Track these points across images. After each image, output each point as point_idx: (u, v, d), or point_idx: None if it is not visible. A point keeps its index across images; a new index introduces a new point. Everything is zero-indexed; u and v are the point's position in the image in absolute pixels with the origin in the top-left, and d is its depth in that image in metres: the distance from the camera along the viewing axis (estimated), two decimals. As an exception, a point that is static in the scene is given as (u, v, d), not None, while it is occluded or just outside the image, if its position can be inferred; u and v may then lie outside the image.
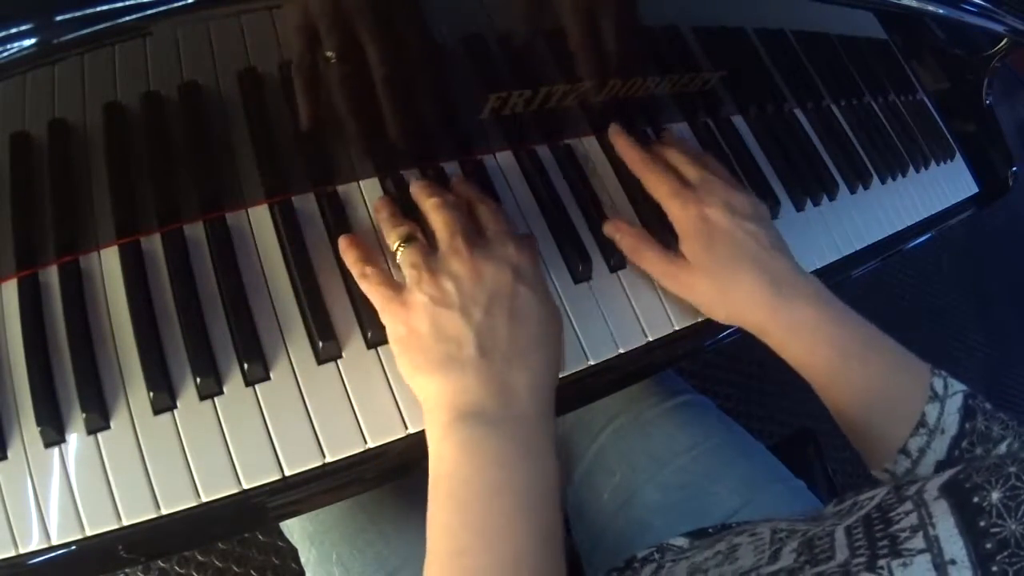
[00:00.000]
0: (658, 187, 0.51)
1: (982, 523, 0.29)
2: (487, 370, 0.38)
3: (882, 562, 0.30)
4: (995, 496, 0.30)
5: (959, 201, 0.78)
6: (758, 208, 0.50)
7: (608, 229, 0.51)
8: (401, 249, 0.42)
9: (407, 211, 0.45)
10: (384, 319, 0.41)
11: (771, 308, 0.46)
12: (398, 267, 0.42)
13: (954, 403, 0.43)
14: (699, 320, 0.51)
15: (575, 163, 0.54)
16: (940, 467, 0.43)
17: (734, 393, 1.38)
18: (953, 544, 0.29)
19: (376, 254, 0.44)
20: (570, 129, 0.55)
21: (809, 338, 0.46)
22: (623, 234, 0.50)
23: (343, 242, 0.43)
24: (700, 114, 0.62)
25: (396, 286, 0.41)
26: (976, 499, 0.30)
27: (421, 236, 0.42)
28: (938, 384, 0.44)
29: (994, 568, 0.27)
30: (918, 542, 0.30)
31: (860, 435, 0.46)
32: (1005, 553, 0.28)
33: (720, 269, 0.47)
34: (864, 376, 0.45)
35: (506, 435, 0.37)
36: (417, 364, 0.39)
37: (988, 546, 0.28)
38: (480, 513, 0.35)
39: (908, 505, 0.33)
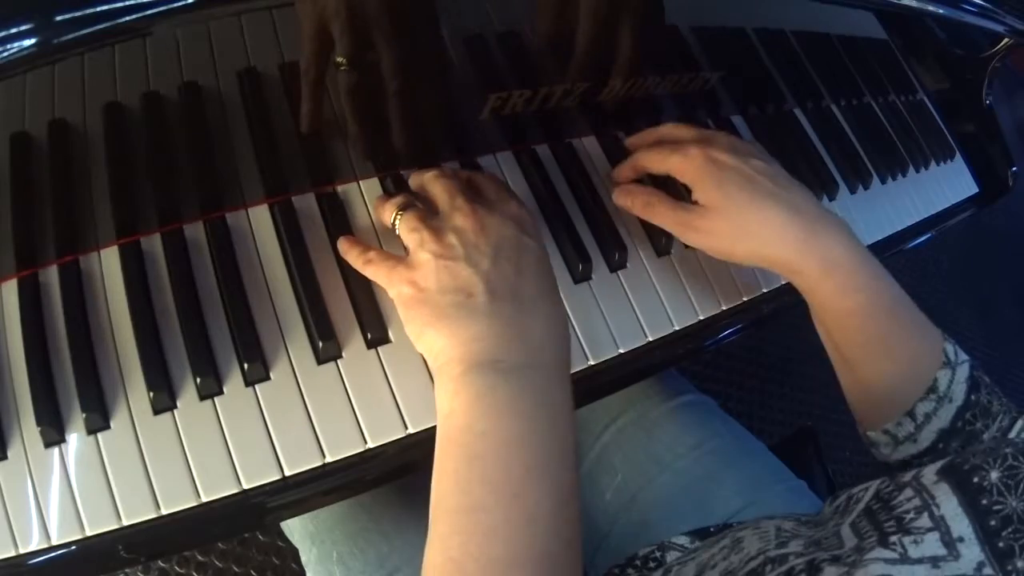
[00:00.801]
0: (656, 158, 0.49)
1: (984, 501, 0.30)
2: (499, 314, 0.37)
3: (893, 538, 0.30)
4: (994, 475, 0.30)
5: (959, 201, 0.78)
6: (765, 155, 0.49)
7: (618, 196, 0.50)
8: (399, 216, 0.41)
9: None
10: (390, 288, 0.40)
11: (802, 242, 0.44)
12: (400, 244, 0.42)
13: (963, 372, 0.43)
14: (699, 320, 0.51)
15: (575, 163, 0.54)
16: (942, 435, 0.42)
17: (735, 393, 1.38)
18: (959, 522, 0.29)
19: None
20: (570, 129, 0.55)
21: (844, 280, 0.44)
22: (633, 195, 0.49)
23: (343, 244, 0.43)
24: (700, 114, 0.62)
25: (398, 259, 0.40)
26: (976, 479, 0.31)
27: (418, 203, 0.42)
28: (950, 350, 0.43)
29: (1000, 544, 0.28)
30: (925, 521, 0.30)
31: (868, 391, 0.45)
32: (1010, 529, 0.28)
33: (738, 206, 0.45)
34: (889, 329, 0.44)
35: (524, 383, 0.35)
36: (425, 320, 0.37)
37: (992, 523, 0.29)
38: (496, 466, 0.33)
39: (908, 491, 0.33)
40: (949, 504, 0.30)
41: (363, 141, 0.45)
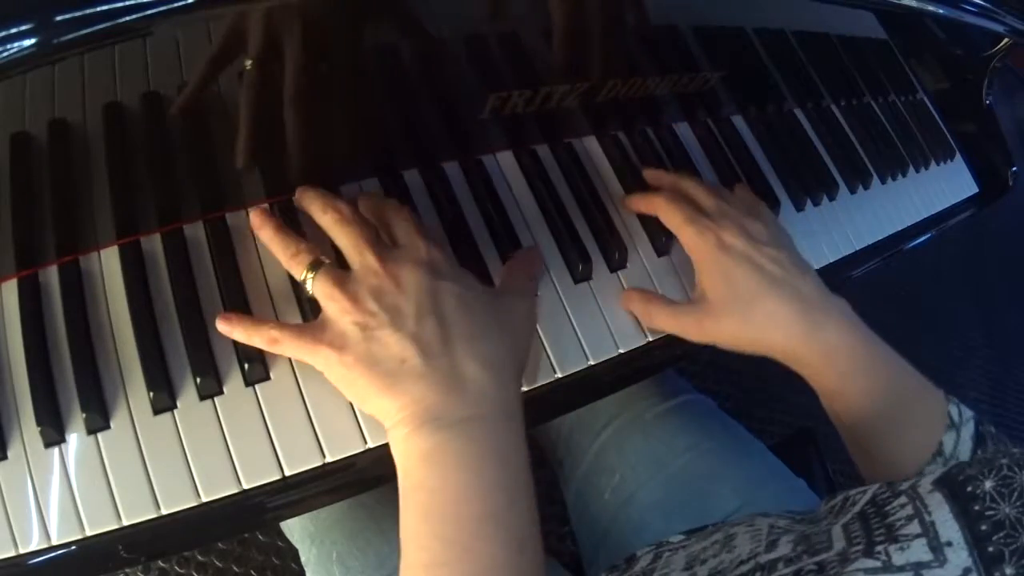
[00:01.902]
0: (672, 216, 0.49)
1: (976, 507, 0.30)
2: (435, 372, 0.36)
3: (879, 547, 0.30)
4: (988, 484, 0.30)
5: (959, 201, 0.78)
6: (776, 232, 0.49)
7: (623, 304, 0.50)
8: (310, 278, 0.39)
9: (289, 219, 0.43)
10: (318, 365, 0.38)
11: (803, 333, 0.44)
12: (305, 290, 0.40)
13: (967, 430, 0.43)
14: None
15: (575, 163, 0.54)
16: None
17: (734, 393, 1.38)
18: (949, 528, 0.29)
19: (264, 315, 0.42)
20: (570, 129, 0.55)
21: (845, 365, 0.44)
22: (632, 301, 0.49)
23: (235, 328, 0.39)
24: (700, 114, 0.62)
25: (313, 329, 0.38)
26: (970, 488, 0.31)
27: (327, 259, 0.40)
28: (954, 412, 0.43)
29: (990, 548, 0.28)
30: (914, 527, 0.30)
31: (876, 461, 0.46)
32: (1001, 534, 0.28)
33: (742, 299, 0.45)
34: (891, 404, 0.44)
35: (468, 436, 0.36)
36: (364, 390, 0.37)
37: (983, 527, 0.29)
38: (449, 522, 0.34)
39: (903, 499, 0.33)
40: (941, 511, 0.30)
41: (361, 138, 0.45)
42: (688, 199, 0.50)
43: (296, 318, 0.43)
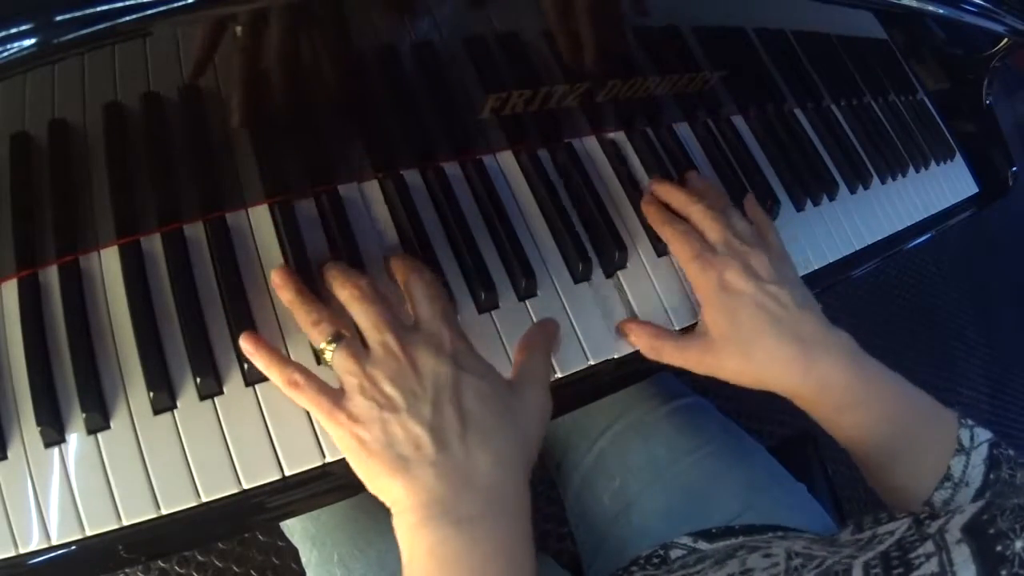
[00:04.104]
0: (679, 249, 0.50)
1: (1004, 573, 0.29)
2: (447, 464, 0.36)
3: None
4: (1019, 545, 0.30)
5: (959, 201, 0.78)
6: (781, 267, 0.49)
7: (621, 330, 0.50)
8: (330, 351, 0.38)
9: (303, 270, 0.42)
10: (331, 431, 0.38)
11: (800, 370, 0.45)
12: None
13: (979, 455, 0.43)
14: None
15: (575, 163, 0.54)
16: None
17: (734, 394, 1.37)
18: None
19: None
20: (570, 129, 0.55)
21: (838, 398, 0.45)
22: (637, 335, 0.49)
23: (263, 359, 0.39)
24: (700, 114, 0.62)
25: (333, 394, 0.38)
26: (999, 547, 0.30)
27: (347, 331, 0.39)
28: (964, 436, 0.43)
29: None
30: None
31: (885, 487, 0.46)
32: None
33: (744, 337, 0.46)
34: (891, 434, 0.44)
35: (473, 535, 0.35)
36: (375, 471, 0.36)
37: None
38: None
39: (929, 546, 0.33)
40: (967, 573, 0.30)
41: (362, 138, 0.45)
42: (696, 232, 0.50)
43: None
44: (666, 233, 0.51)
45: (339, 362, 0.38)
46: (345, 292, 0.40)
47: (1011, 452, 0.44)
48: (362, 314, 0.39)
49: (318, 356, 0.42)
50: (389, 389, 0.37)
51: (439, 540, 0.35)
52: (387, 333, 0.38)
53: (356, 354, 0.38)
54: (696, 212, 0.51)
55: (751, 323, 0.46)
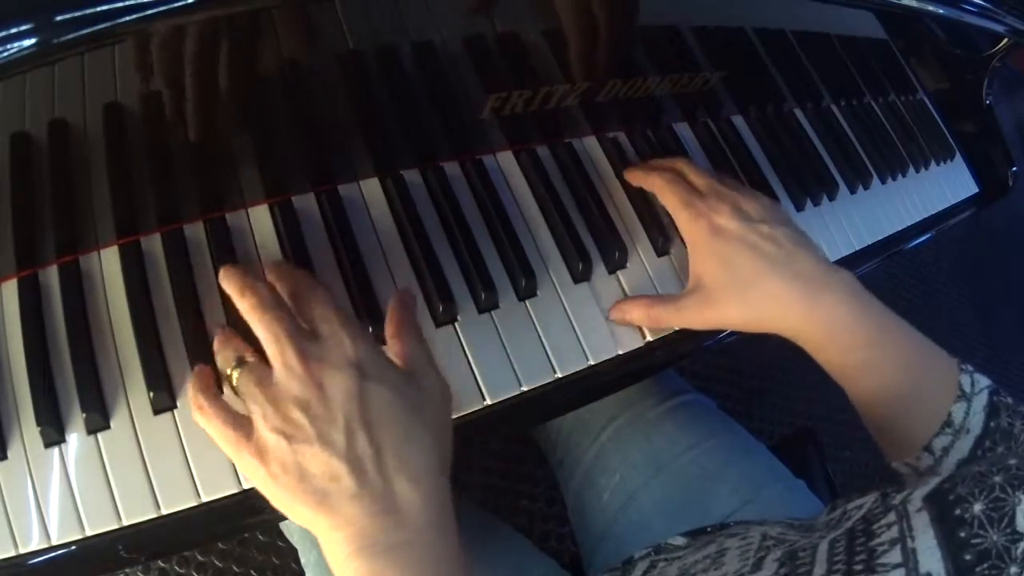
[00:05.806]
0: (668, 197, 0.50)
1: (962, 534, 0.28)
2: (367, 496, 0.34)
3: None
4: (977, 508, 0.29)
5: (959, 201, 0.78)
6: (772, 208, 0.49)
7: (615, 316, 0.49)
8: (235, 375, 0.37)
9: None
10: (239, 464, 0.37)
11: (804, 310, 0.44)
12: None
13: (980, 401, 0.43)
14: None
15: (575, 163, 0.54)
16: (962, 465, 0.42)
17: (734, 393, 1.38)
18: (930, 557, 0.28)
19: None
20: (570, 129, 0.55)
21: (847, 339, 0.44)
22: (628, 311, 0.49)
23: (192, 376, 0.38)
24: (700, 114, 0.62)
25: (240, 423, 0.36)
26: (958, 511, 0.30)
27: (250, 355, 0.37)
28: (965, 382, 0.43)
29: None
30: (895, 556, 0.30)
31: (884, 431, 0.46)
32: (985, 565, 0.27)
33: (741, 283, 0.45)
34: (896, 377, 0.44)
35: (402, 562, 0.34)
36: (292, 503, 0.34)
37: (967, 558, 0.28)
38: None
39: (891, 516, 0.32)
40: (924, 537, 0.29)
41: (362, 138, 0.45)
42: (684, 181, 0.50)
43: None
44: (653, 182, 0.51)
45: (243, 388, 0.36)
46: (244, 302, 0.37)
47: (1010, 400, 0.43)
48: (261, 325, 0.36)
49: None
50: (297, 416, 0.34)
51: (371, 571, 0.33)
52: (288, 348, 0.35)
53: (260, 379, 0.35)
54: (681, 163, 0.52)
55: (747, 266, 0.45)
